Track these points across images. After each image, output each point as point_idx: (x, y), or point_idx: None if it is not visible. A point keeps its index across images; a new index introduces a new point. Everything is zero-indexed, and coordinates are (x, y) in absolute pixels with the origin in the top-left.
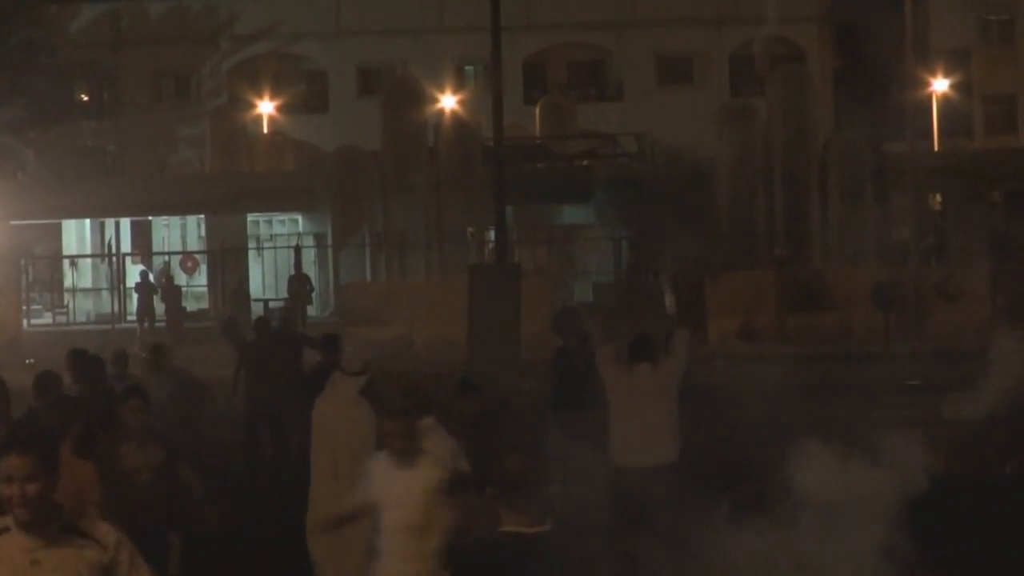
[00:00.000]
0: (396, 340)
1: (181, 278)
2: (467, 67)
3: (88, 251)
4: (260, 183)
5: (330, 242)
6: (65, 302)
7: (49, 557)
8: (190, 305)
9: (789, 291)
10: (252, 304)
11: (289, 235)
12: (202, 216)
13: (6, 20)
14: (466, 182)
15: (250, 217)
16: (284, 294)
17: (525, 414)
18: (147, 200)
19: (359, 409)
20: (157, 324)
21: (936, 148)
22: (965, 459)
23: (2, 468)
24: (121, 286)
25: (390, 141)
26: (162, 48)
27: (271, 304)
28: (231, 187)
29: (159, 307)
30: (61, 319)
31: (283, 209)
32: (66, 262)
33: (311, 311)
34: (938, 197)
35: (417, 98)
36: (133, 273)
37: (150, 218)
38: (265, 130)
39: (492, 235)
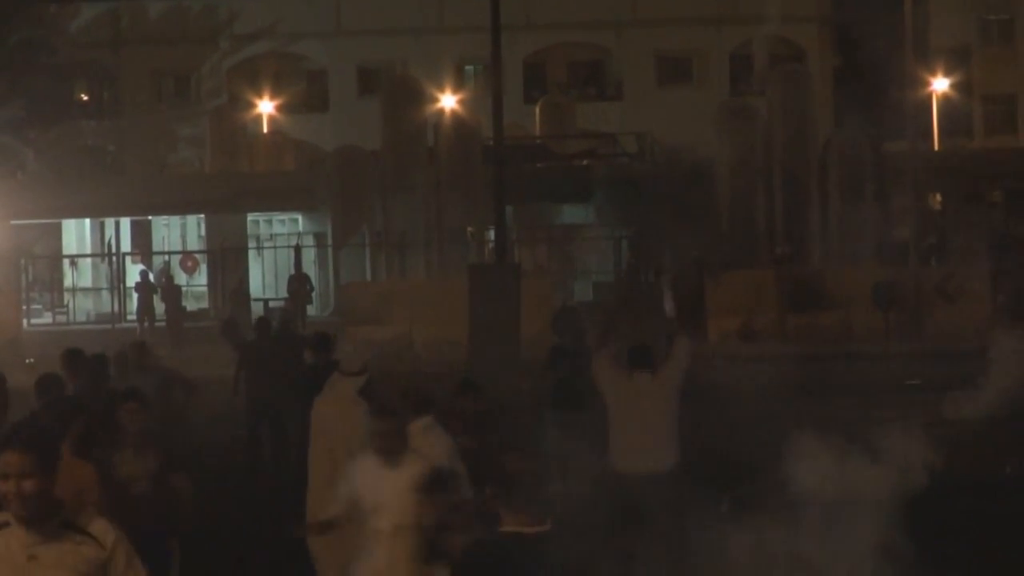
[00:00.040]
0: (396, 340)
1: (181, 278)
2: (467, 67)
3: (88, 251)
4: (260, 183)
5: (330, 242)
6: (65, 302)
7: (47, 553)
8: (190, 305)
9: (789, 291)
10: (252, 304)
11: (289, 235)
12: (202, 216)
13: (6, 19)
14: (466, 182)
15: (250, 217)
16: (284, 294)
17: (524, 414)
18: (147, 200)
19: (358, 409)
20: (157, 324)
21: (936, 147)
22: (965, 459)
23: None
24: (121, 286)
25: (390, 141)
26: (162, 48)
27: (271, 304)
28: (231, 187)
29: (159, 307)
30: (61, 319)
31: (283, 209)
32: (66, 262)
33: (311, 311)
34: (938, 197)
35: (417, 98)
36: (133, 273)
37: (150, 218)
38: (265, 130)
39: (492, 235)
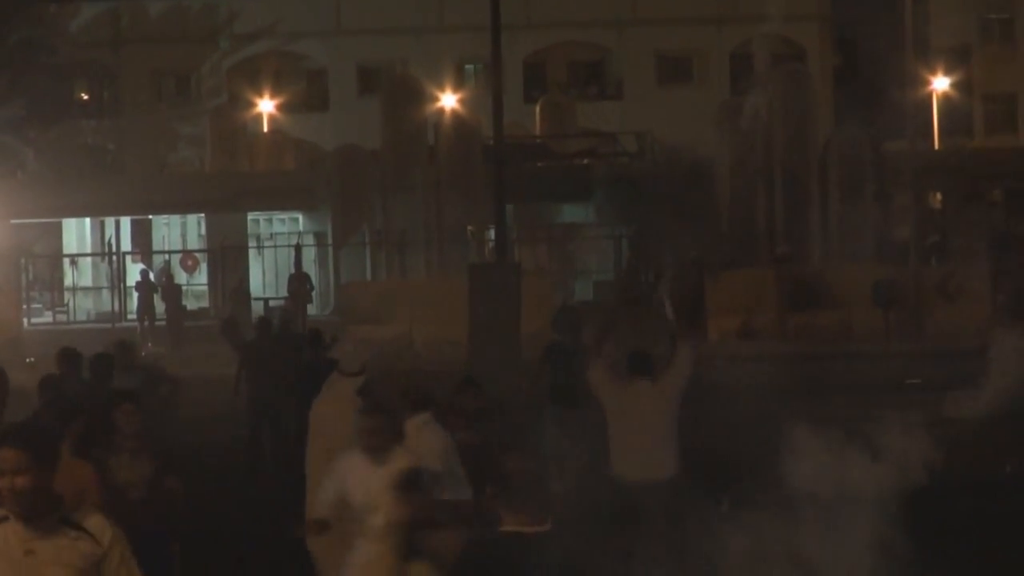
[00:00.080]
0: (396, 339)
1: (181, 277)
2: (467, 66)
3: (88, 250)
4: (260, 182)
5: (330, 241)
6: (65, 301)
7: (44, 548)
8: (190, 304)
9: (789, 290)
10: (252, 303)
11: (289, 234)
12: (202, 215)
13: (6, 19)
14: (466, 181)
15: (250, 216)
16: (284, 293)
17: (524, 413)
18: (147, 199)
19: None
20: (157, 323)
21: (936, 147)
22: (965, 458)
23: None
24: (121, 285)
25: (390, 140)
26: (162, 47)
27: (271, 303)
28: (231, 186)
29: (159, 306)
30: (61, 318)
31: (283, 208)
32: (66, 261)
33: (311, 310)
34: (938, 196)
35: (417, 97)
36: (133, 272)
37: (150, 217)
38: (265, 129)
39: (492, 234)
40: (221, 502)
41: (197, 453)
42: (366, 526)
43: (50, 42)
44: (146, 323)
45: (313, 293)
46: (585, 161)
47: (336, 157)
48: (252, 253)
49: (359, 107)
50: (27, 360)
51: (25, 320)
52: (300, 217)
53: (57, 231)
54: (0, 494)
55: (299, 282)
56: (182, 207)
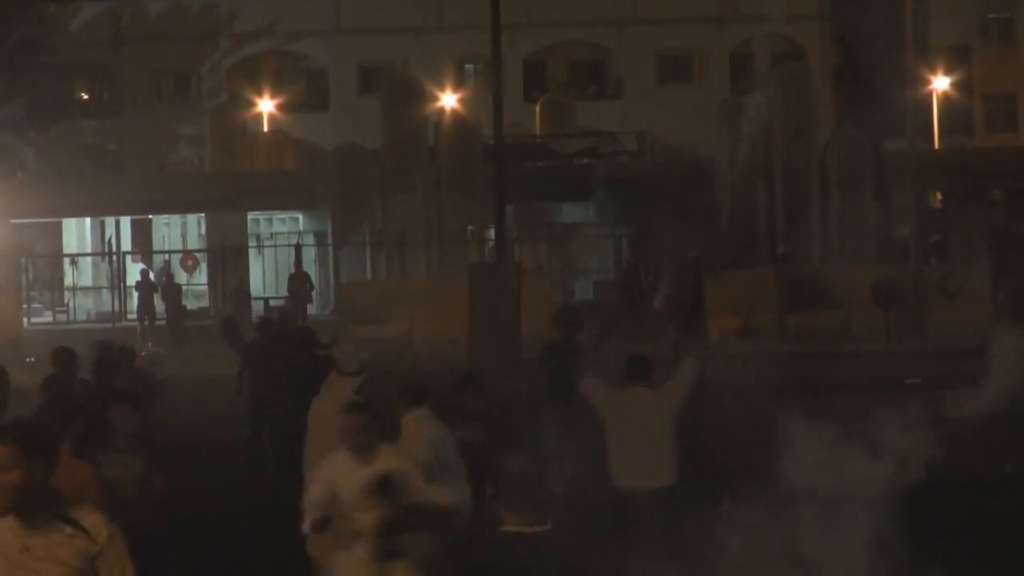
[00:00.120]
0: (396, 339)
1: (181, 276)
2: (467, 65)
3: (88, 249)
4: (260, 181)
5: (330, 240)
6: (65, 301)
7: (39, 545)
8: (190, 304)
9: (789, 289)
10: (252, 303)
11: (289, 233)
12: (202, 214)
13: (6, 19)
14: (466, 180)
15: (250, 215)
16: (284, 292)
17: (524, 413)
18: (147, 198)
19: None
20: (157, 323)
21: (936, 146)
22: (966, 456)
23: None
24: (121, 284)
25: (390, 139)
26: (162, 46)
27: (272, 303)
28: (231, 185)
29: (159, 306)
30: (61, 318)
31: (283, 207)
32: (66, 260)
33: (311, 310)
34: (938, 195)
35: (417, 96)
36: (133, 271)
37: (150, 216)
38: (265, 128)
39: (492, 233)
40: (221, 502)
41: (197, 453)
42: (352, 524)
43: (50, 42)
44: (146, 323)
45: (313, 293)
46: (585, 161)
47: (336, 157)
48: (252, 253)
49: (359, 107)
50: (27, 360)
51: (25, 320)
52: (300, 217)
53: (57, 231)
54: None
55: (299, 282)
56: (182, 207)
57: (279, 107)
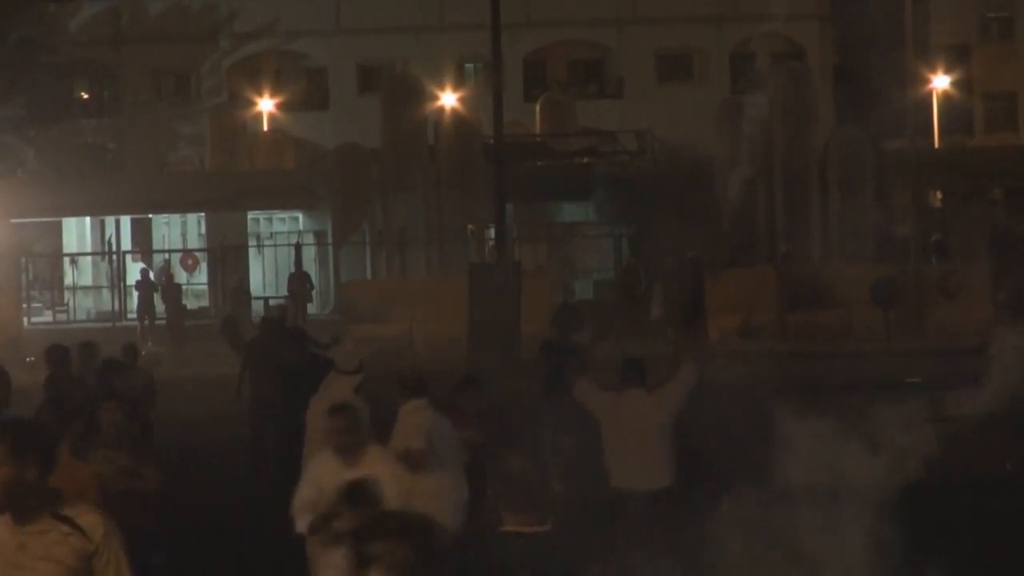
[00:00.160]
0: (396, 338)
1: (181, 276)
2: (467, 64)
3: (88, 249)
4: (260, 181)
5: (330, 240)
6: (65, 300)
7: (35, 543)
8: (190, 303)
9: (789, 289)
10: (252, 302)
11: (289, 233)
12: (202, 214)
13: (6, 18)
14: (466, 180)
15: (250, 215)
16: (284, 292)
17: (524, 413)
18: (147, 198)
19: None
20: (157, 322)
21: (936, 145)
22: (966, 456)
23: None
24: (121, 284)
25: (390, 139)
26: (162, 46)
27: (271, 302)
28: (231, 185)
29: (159, 305)
30: (61, 317)
31: (283, 207)
32: (66, 260)
33: (311, 309)
34: (938, 194)
35: (417, 95)
36: (133, 271)
37: (150, 216)
38: (265, 128)
39: (492, 233)
40: (222, 502)
41: (197, 453)
42: (337, 527)
43: (50, 41)
44: (146, 322)
45: (313, 292)
46: (585, 160)
47: (336, 156)
48: (252, 252)
49: (359, 106)
50: (27, 359)
51: (25, 319)
52: (300, 216)
53: (57, 230)
54: None
55: (299, 281)
56: (182, 206)
57: (279, 106)
